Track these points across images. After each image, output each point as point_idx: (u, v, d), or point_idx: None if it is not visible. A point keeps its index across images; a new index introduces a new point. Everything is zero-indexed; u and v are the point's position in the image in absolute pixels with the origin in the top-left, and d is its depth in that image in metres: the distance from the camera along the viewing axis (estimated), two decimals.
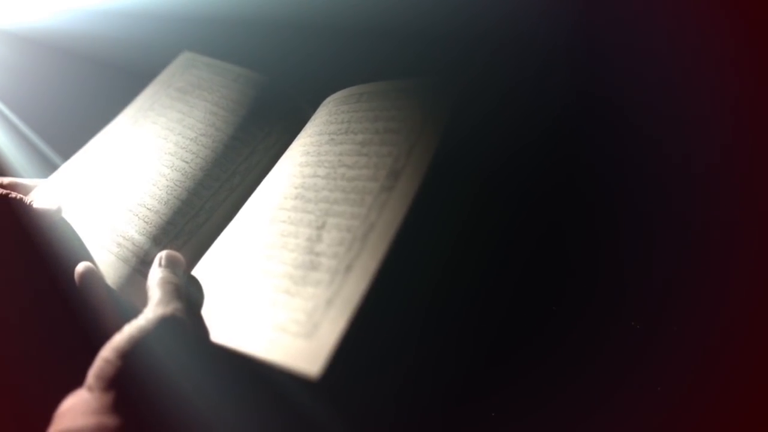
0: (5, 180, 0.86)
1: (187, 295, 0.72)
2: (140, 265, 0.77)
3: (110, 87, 1.36)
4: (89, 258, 0.78)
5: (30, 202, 0.80)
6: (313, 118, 0.88)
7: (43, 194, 0.88)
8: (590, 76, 0.89)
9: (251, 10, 1.20)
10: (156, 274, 0.72)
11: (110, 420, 0.56)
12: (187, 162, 0.86)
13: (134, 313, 0.66)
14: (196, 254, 0.79)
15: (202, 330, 0.68)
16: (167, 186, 0.83)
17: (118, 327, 0.63)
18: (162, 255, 0.74)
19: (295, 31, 1.17)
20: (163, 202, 0.82)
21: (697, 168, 0.84)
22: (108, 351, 0.61)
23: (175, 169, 0.85)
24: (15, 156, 1.16)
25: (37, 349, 0.74)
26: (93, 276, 0.74)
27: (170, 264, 0.73)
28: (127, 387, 0.59)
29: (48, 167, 1.13)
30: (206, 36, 1.26)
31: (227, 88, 0.94)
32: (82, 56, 1.38)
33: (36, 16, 1.38)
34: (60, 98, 1.37)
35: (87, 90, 1.38)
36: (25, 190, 0.88)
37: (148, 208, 0.81)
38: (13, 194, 0.78)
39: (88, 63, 1.37)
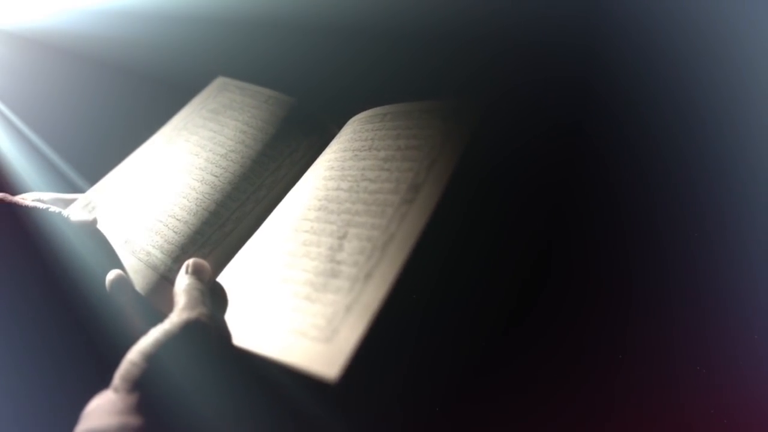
0: (46, 195, 0.88)
1: (212, 300, 0.71)
2: (168, 272, 0.77)
3: (110, 87, 1.36)
4: (120, 266, 0.79)
5: (68, 216, 0.81)
6: (338, 135, 0.89)
7: (80, 207, 0.89)
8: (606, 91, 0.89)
9: (283, 38, 1.21)
10: (182, 281, 0.72)
11: (134, 420, 0.56)
12: (216, 176, 0.87)
13: (161, 318, 0.66)
14: (221, 262, 0.79)
15: (224, 334, 0.68)
16: (197, 198, 0.84)
17: (144, 331, 0.64)
18: (189, 263, 0.74)
19: (324, 54, 1.18)
20: (192, 213, 0.83)
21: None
22: (134, 354, 0.61)
23: (205, 183, 0.86)
24: (15, 156, 1.16)
25: (70, 353, 0.74)
26: (123, 283, 0.75)
27: (196, 271, 0.73)
28: (151, 388, 0.59)
29: (48, 167, 1.13)
30: (207, 37, 1.27)
31: (257, 108, 0.95)
32: (82, 56, 1.38)
33: (36, 16, 1.38)
34: (60, 98, 1.37)
35: (87, 90, 1.38)
36: (63, 203, 0.89)
37: (177, 219, 0.82)
38: (53, 208, 0.79)
39: (88, 63, 1.38)
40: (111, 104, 1.36)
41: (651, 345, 0.79)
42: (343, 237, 0.70)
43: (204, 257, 0.78)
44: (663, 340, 0.79)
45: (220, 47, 1.32)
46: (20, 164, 1.13)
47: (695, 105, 0.85)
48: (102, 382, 0.61)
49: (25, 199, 0.82)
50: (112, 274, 0.75)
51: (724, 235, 0.81)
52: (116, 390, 0.59)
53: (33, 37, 1.38)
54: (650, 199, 0.84)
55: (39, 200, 0.84)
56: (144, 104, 1.35)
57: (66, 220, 0.81)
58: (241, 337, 0.66)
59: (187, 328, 0.64)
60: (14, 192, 0.80)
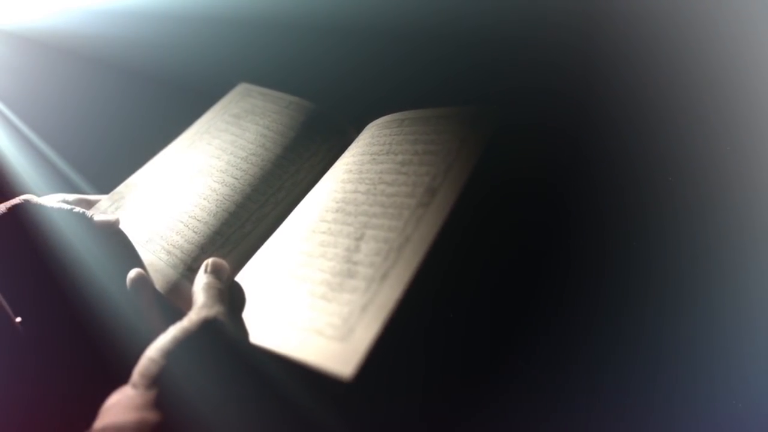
0: (70, 197, 0.88)
1: (230, 299, 0.71)
2: (187, 271, 0.78)
3: (110, 87, 1.36)
4: (141, 265, 0.79)
5: (91, 216, 0.82)
6: (356, 140, 0.89)
7: (103, 208, 0.90)
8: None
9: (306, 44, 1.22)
10: (201, 280, 0.72)
11: (152, 416, 0.56)
12: (236, 178, 0.87)
13: (179, 316, 0.66)
14: (240, 262, 0.79)
15: (242, 332, 0.68)
16: (217, 200, 0.85)
17: (163, 329, 0.64)
18: (208, 262, 0.75)
19: (345, 61, 1.18)
20: (212, 215, 0.83)
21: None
22: (153, 351, 0.61)
23: (225, 185, 0.87)
24: (15, 155, 1.16)
25: (91, 349, 0.74)
26: (143, 281, 0.75)
27: (215, 270, 0.74)
28: (169, 385, 0.59)
29: (48, 166, 1.13)
30: (211, 38, 1.27)
31: (278, 113, 0.96)
32: (82, 56, 1.38)
33: (36, 16, 1.38)
34: (60, 98, 1.37)
35: (87, 90, 1.38)
36: (88, 204, 0.89)
37: (198, 220, 0.83)
38: (77, 209, 0.80)
39: (88, 63, 1.37)
40: (111, 104, 1.36)
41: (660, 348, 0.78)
42: (360, 238, 0.70)
43: (223, 257, 0.78)
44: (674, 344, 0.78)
45: (224, 49, 1.32)
46: (21, 165, 1.13)
47: (718, 116, 0.84)
48: (121, 378, 0.61)
49: (51, 199, 0.83)
50: (133, 273, 0.76)
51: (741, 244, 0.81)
52: (135, 386, 0.59)
53: (33, 37, 1.37)
54: (665, 204, 0.84)
55: (64, 201, 0.85)
56: (145, 105, 1.35)
57: (90, 220, 0.82)
58: (258, 335, 0.66)
59: (205, 326, 0.64)
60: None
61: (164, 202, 0.88)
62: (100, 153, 1.26)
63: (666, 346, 0.78)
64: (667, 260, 0.81)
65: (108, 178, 0.98)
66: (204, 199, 0.86)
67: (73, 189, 1.06)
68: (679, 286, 0.80)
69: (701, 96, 0.85)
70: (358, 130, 0.91)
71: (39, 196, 0.82)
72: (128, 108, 1.37)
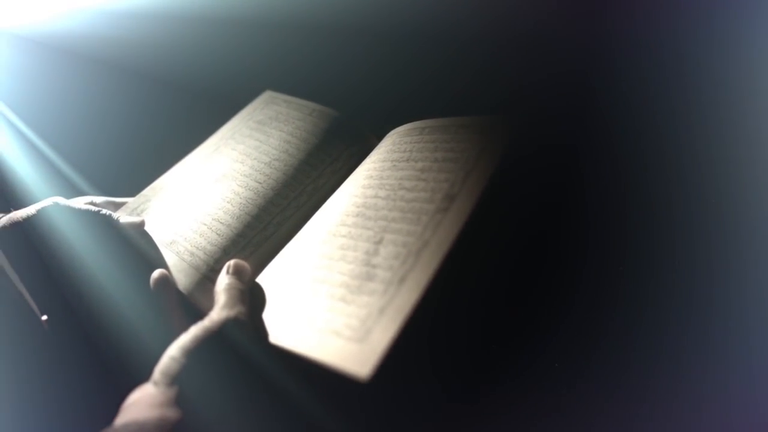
0: (98, 199, 0.89)
1: (251, 300, 0.72)
2: (210, 272, 0.78)
3: (110, 87, 1.36)
4: (164, 265, 0.80)
5: (117, 218, 0.83)
6: (377, 147, 0.89)
7: (129, 210, 0.91)
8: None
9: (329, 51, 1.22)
10: (223, 281, 0.72)
11: (172, 413, 0.56)
12: (260, 183, 0.88)
13: (201, 315, 0.67)
14: (261, 263, 0.80)
15: (262, 332, 0.68)
16: (240, 203, 0.86)
17: (185, 328, 0.64)
18: (230, 263, 0.75)
19: (368, 69, 1.18)
20: (235, 217, 0.84)
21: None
22: (174, 349, 0.62)
23: (249, 189, 0.87)
24: (15, 155, 1.17)
25: (114, 347, 0.74)
26: (166, 281, 0.76)
27: (237, 272, 0.74)
28: (189, 383, 0.59)
29: (48, 166, 1.14)
30: (216, 38, 1.27)
31: (302, 120, 0.96)
32: (82, 56, 1.38)
33: (37, 17, 1.38)
34: (60, 98, 1.36)
35: (87, 90, 1.38)
36: (114, 206, 0.90)
37: (221, 222, 0.83)
38: (104, 211, 0.81)
39: (88, 63, 1.37)
40: (111, 104, 1.36)
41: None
42: (379, 242, 0.70)
43: (245, 259, 0.79)
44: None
45: (247, 56, 1.33)
46: (20, 164, 1.13)
47: (730, 124, 0.84)
48: (142, 376, 0.61)
49: (79, 201, 0.83)
50: (156, 273, 0.76)
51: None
52: (156, 383, 0.59)
53: (34, 37, 1.37)
54: (684, 213, 0.83)
55: (91, 203, 0.86)
56: (148, 105, 1.35)
57: (116, 221, 0.83)
58: (278, 335, 0.67)
59: (226, 326, 0.65)
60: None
61: (188, 204, 0.89)
62: (102, 155, 1.26)
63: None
64: (687, 266, 0.81)
65: (111, 181, 0.98)
66: (228, 202, 0.86)
67: (76, 191, 1.06)
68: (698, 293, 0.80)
69: (722, 102, 0.85)
70: (380, 138, 0.92)
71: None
72: (132, 110, 1.37)
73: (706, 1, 0.88)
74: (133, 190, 0.95)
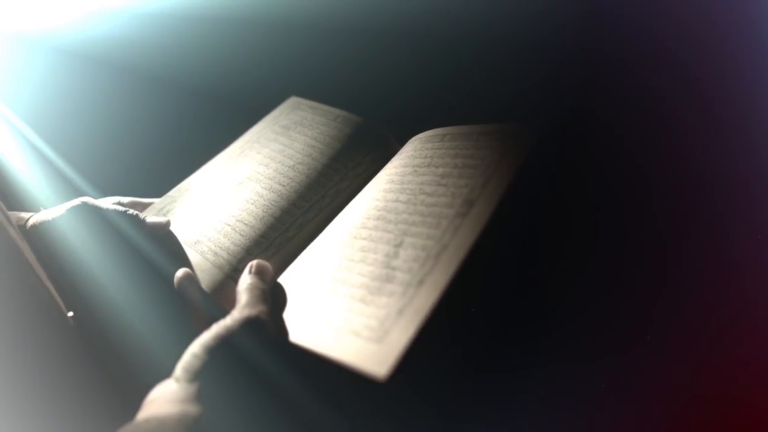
0: (125, 199, 0.90)
1: (272, 299, 0.72)
2: (232, 272, 0.79)
3: (110, 87, 1.35)
4: (189, 264, 0.81)
5: (144, 218, 0.84)
6: (399, 152, 0.90)
7: (155, 210, 0.92)
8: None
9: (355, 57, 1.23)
10: (245, 280, 0.73)
11: (193, 409, 0.56)
12: (283, 185, 0.89)
13: (223, 314, 0.67)
14: (283, 264, 0.80)
15: (282, 331, 0.68)
16: (264, 205, 0.86)
17: (207, 326, 0.65)
18: (252, 263, 0.75)
19: (392, 77, 1.19)
20: (259, 219, 0.85)
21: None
22: (196, 346, 0.62)
23: (272, 191, 0.88)
24: (15, 155, 1.17)
25: (137, 344, 0.75)
26: (190, 280, 0.77)
27: (259, 272, 0.74)
28: (210, 380, 0.59)
29: (48, 166, 1.14)
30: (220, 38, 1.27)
31: (326, 125, 0.97)
32: (82, 56, 1.37)
33: (37, 17, 1.37)
34: (60, 98, 1.36)
35: (87, 90, 1.37)
36: (141, 207, 0.91)
37: (244, 224, 0.84)
38: (131, 211, 0.82)
39: (89, 63, 1.37)
40: (111, 104, 1.36)
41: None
42: (399, 245, 0.70)
43: (267, 259, 0.79)
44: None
45: (273, 61, 1.33)
46: (20, 164, 1.13)
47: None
48: (164, 372, 0.62)
49: (106, 202, 0.84)
50: (180, 272, 0.77)
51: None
52: (177, 380, 0.60)
53: (34, 37, 1.37)
54: (705, 219, 0.83)
55: (118, 203, 0.87)
56: (151, 106, 1.35)
57: (142, 221, 0.84)
58: (298, 334, 0.67)
59: (248, 325, 0.65)
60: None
61: (213, 205, 0.90)
62: (103, 156, 1.27)
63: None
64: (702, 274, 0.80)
65: (116, 183, 0.99)
66: (251, 204, 0.87)
67: (77, 193, 1.07)
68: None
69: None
70: (401, 144, 0.93)
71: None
72: (135, 111, 1.37)
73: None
74: (144, 192, 0.96)
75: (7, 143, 1.21)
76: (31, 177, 1.06)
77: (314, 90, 1.09)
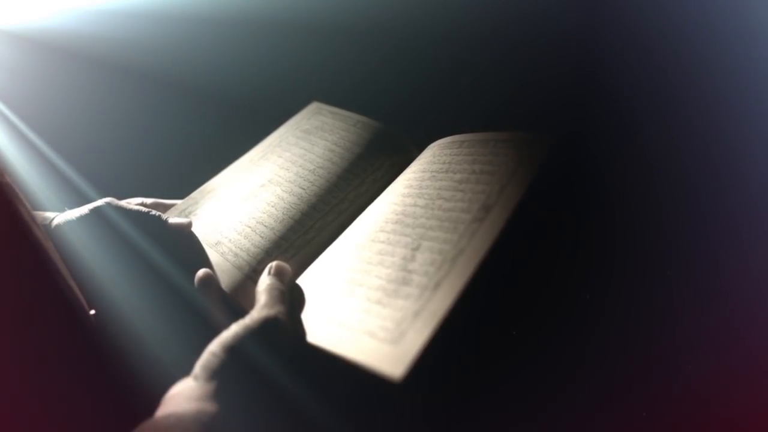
0: (148, 200, 0.91)
1: (290, 300, 0.72)
2: (252, 273, 0.80)
3: (110, 87, 1.35)
4: (209, 265, 0.82)
5: (166, 219, 0.85)
6: (418, 158, 0.91)
7: (177, 212, 0.93)
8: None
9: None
10: (265, 281, 0.73)
11: (211, 407, 0.57)
12: (303, 189, 0.89)
13: (242, 314, 0.68)
14: (302, 266, 0.81)
15: (299, 331, 0.69)
16: (284, 208, 0.87)
17: (226, 325, 0.65)
18: (272, 265, 0.76)
19: (411, 83, 1.19)
20: (279, 221, 0.85)
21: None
22: (215, 345, 0.63)
23: (293, 194, 0.89)
24: (15, 155, 1.17)
25: (157, 342, 0.76)
26: (210, 280, 0.77)
27: (278, 273, 0.75)
28: (228, 378, 0.60)
29: (48, 166, 1.14)
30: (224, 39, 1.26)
31: (346, 131, 0.98)
32: (82, 57, 1.37)
33: (37, 17, 1.35)
34: (60, 98, 1.36)
35: (87, 90, 1.36)
36: (164, 208, 0.92)
37: (265, 225, 0.85)
38: (154, 212, 0.83)
39: (89, 63, 1.37)
40: (112, 104, 1.36)
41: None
42: (416, 249, 0.70)
43: (286, 261, 0.80)
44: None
45: (296, 66, 1.33)
46: (21, 164, 1.13)
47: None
48: (183, 370, 0.62)
49: (130, 202, 0.85)
50: (201, 272, 0.78)
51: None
52: (196, 378, 0.60)
53: (33, 37, 1.35)
54: (723, 224, 0.83)
55: (142, 204, 0.87)
56: (153, 107, 1.35)
57: (164, 222, 0.85)
58: (315, 335, 0.68)
59: (266, 324, 0.65)
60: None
61: (234, 207, 0.91)
62: (104, 157, 1.27)
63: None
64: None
65: (118, 185, 0.99)
66: (272, 206, 0.88)
67: (79, 195, 1.08)
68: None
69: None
70: (420, 149, 0.93)
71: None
72: (138, 112, 1.37)
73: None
74: (157, 194, 0.97)
75: (7, 143, 1.21)
76: (31, 177, 1.07)
77: (335, 95, 1.09)
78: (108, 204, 0.81)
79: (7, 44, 1.37)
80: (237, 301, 0.78)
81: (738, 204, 0.83)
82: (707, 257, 0.82)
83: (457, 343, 0.65)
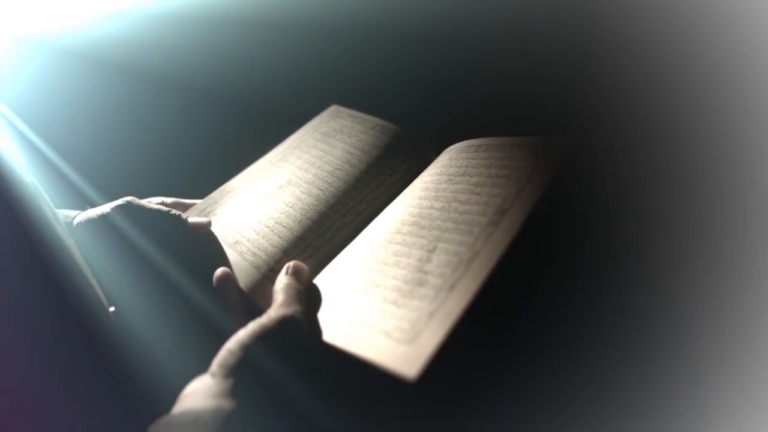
0: (168, 200, 0.92)
1: (307, 299, 0.73)
2: (270, 272, 0.80)
3: (111, 87, 1.35)
4: (228, 264, 0.82)
5: (186, 218, 0.85)
6: (435, 161, 0.91)
7: (197, 211, 0.94)
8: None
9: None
10: (282, 281, 0.74)
11: (228, 404, 0.57)
12: (321, 190, 0.90)
13: (259, 312, 0.69)
14: (319, 266, 0.81)
15: (316, 330, 0.69)
16: (302, 208, 0.87)
17: (243, 323, 0.66)
18: (289, 264, 0.76)
19: (430, 87, 1.19)
20: (297, 221, 0.86)
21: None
22: (232, 343, 0.63)
23: (311, 195, 0.89)
24: (17, 156, 1.17)
25: (176, 339, 0.76)
26: (228, 279, 0.78)
27: (295, 273, 0.75)
28: (245, 376, 0.60)
29: (48, 166, 1.15)
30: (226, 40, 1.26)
31: (365, 134, 0.98)
32: (83, 57, 1.37)
33: (40, 21, 1.36)
34: (61, 98, 1.36)
35: (87, 90, 1.36)
36: (184, 207, 0.93)
37: (283, 226, 0.85)
38: (174, 211, 0.84)
39: (89, 63, 1.37)
40: (112, 104, 1.36)
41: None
42: (432, 250, 0.71)
43: (303, 260, 0.80)
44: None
45: (316, 70, 1.33)
46: (21, 164, 1.13)
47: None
48: (200, 368, 0.63)
49: (151, 202, 0.86)
50: (219, 271, 0.78)
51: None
52: (213, 375, 0.61)
53: (36, 39, 1.36)
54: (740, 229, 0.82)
55: (162, 203, 0.88)
56: (177, 110, 1.36)
57: (184, 221, 0.85)
58: (331, 334, 0.68)
59: (283, 323, 0.66)
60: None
61: (253, 208, 0.91)
62: (106, 159, 1.27)
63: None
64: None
65: (120, 186, 0.99)
66: (290, 207, 0.88)
67: (80, 196, 1.08)
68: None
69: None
70: (437, 153, 0.93)
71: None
72: (140, 113, 1.38)
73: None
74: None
75: (8, 143, 1.21)
76: (52, 178, 1.08)
77: (354, 98, 1.09)
78: (129, 203, 0.82)
79: (9, 46, 1.38)
80: (255, 300, 0.78)
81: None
82: (732, 260, 0.81)
83: (471, 344, 0.65)
